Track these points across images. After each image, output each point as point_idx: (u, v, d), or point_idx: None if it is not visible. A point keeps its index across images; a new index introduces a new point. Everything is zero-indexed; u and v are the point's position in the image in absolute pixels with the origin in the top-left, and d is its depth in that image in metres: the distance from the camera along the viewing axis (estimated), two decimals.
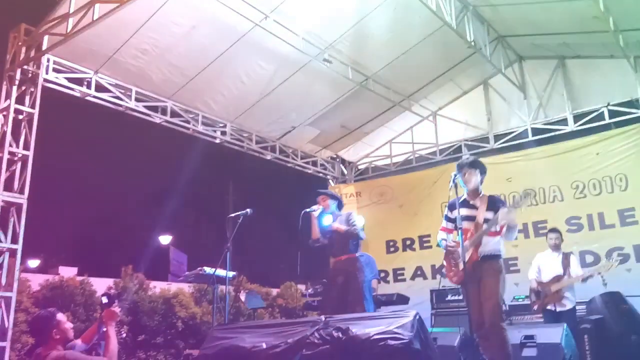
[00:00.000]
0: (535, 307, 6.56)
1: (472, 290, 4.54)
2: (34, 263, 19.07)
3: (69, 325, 3.81)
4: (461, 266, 4.48)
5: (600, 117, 8.46)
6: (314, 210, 5.61)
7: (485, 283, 4.50)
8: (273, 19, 6.94)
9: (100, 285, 8.29)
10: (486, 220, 4.55)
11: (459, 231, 4.42)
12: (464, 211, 4.67)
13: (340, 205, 5.84)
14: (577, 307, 6.49)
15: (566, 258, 6.53)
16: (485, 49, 7.90)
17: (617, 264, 6.34)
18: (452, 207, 4.74)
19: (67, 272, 9.30)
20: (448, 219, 4.87)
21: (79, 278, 7.95)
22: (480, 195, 4.73)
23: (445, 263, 4.85)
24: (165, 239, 20.17)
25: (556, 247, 6.64)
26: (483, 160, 9.61)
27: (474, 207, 4.68)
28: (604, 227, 8.07)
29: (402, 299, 7.32)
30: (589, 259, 7.86)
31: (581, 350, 4.70)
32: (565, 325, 5.55)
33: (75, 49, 6.74)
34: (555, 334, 5.30)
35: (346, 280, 5.27)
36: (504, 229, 4.56)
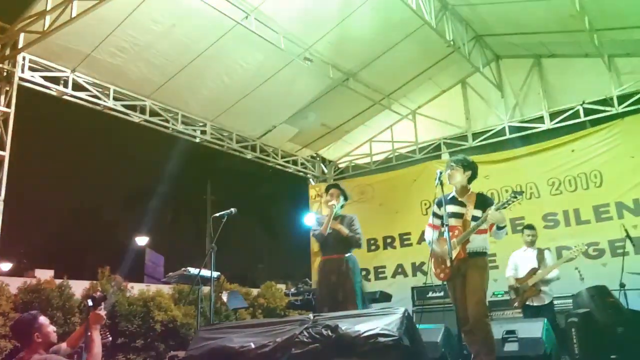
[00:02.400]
0: (516, 304, 6.66)
1: (457, 286, 4.58)
2: (8, 266, 18.63)
3: (51, 328, 3.73)
4: (448, 263, 4.52)
5: (576, 115, 8.63)
6: (335, 205, 5.52)
7: (469, 278, 4.54)
8: (254, 17, 6.90)
9: (77, 287, 8.13)
10: (474, 218, 4.57)
11: (446, 228, 4.45)
12: (453, 208, 4.69)
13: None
14: (560, 302, 6.65)
15: (540, 253, 6.68)
16: (463, 48, 8.00)
17: (585, 248, 6.51)
18: (439, 203, 4.76)
19: (43, 274, 9.08)
20: (435, 216, 4.86)
21: (57, 281, 7.77)
22: (469, 193, 4.75)
23: (432, 260, 4.86)
24: (141, 240, 19.91)
25: (531, 244, 6.76)
26: None
27: (462, 204, 4.70)
28: (580, 223, 8.25)
29: (386, 297, 7.37)
30: (565, 253, 8.00)
31: (569, 342, 4.80)
32: (545, 320, 5.67)
33: (52, 47, 6.61)
34: (536, 329, 5.39)
35: (338, 279, 5.25)
36: (493, 228, 4.60)
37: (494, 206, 4.54)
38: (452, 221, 4.64)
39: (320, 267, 5.42)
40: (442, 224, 4.60)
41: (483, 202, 4.65)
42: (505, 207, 4.53)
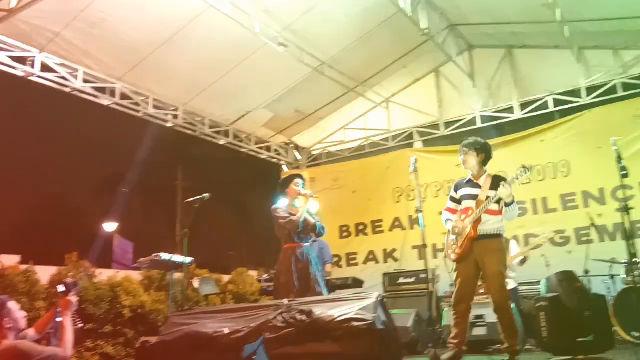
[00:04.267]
0: (482, 290, 6.79)
1: (464, 267, 4.64)
2: None
3: (21, 314, 3.65)
4: (459, 243, 4.61)
5: (545, 105, 8.79)
6: (311, 193, 5.54)
7: (487, 264, 4.53)
8: (228, 0, 6.79)
9: (44, 273, 7.97)
10: (489, 199, 4.60)
11: (420, 214, 4.53)
12: (468, 190, 4.76)
13: None
14: (526, 288, 6.83)
15: (506, 241, 6.81)
16: (437, 36, 8.04)
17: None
18: (457, 187, 4.84)
19: (9, 260, 8.84)
20: (452, 200, 4.91)
21: (24, 266, 7.59)
22: (485, 175, 4.77)
23: (445, 241, 4.90)
24: (110, 226, 19.59)
25: None
26: (434, 148, 9.87)
27: (477, 186, 4.74)
28: (547, 212, 8.44)
29: (357, 283, 7.43)
30: (534, 241, 8.18)
31: (537, 326, 4.94)
32: (513, 305, 5.82)
33: (19, 26, 6.38)
34: None
35: (307, 266, 5.29)
36: (503, 209, 4.60)
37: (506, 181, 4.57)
38: (467, 202, 4.71)
39: (288, 254, 5.42)
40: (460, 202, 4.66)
41: (499, 182, 4.63)
42: (515, 182, 4.56)
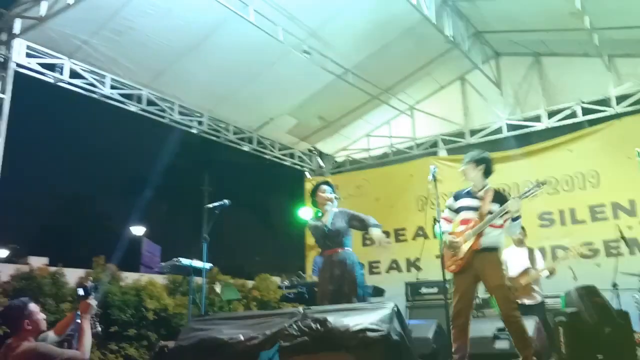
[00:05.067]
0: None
1: (464, 280, 4.56)
2: (3, 253, 18.58)
3: (41, 316, 3.71)
4: (460, 255, 4.53)
5: (574, 114, 8.62)
6: (337, 197, 5.50)
7: (489, 277, 4.48)
8: (253, 7, 6.85)
9: (72, 276, 8.13)
10: (490, 212, 4.54)
11: (438, 223, 4.45)
12: (469, 201, 4.69)
13: None
14: (553, 301, 6.66)
15: (531, 253, 6.65)
16: (463, 44, 7.96)
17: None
18: (457, 197, 4.79)
19: (37, 262, 9.07)
20: (450, 209, 4.85)
21: (52, 268, 7.76)
22: (486, 188, 4.71)
23: (443, 253, 4.79)
24: (138, 230, 19.89)
25: (520, 243, 6.72)
26: (459, 157, 9.72)
27: (477, 198, 4.67)
28: (575, 223, 8.25)
29: (378, 292, 7.34)
30: (560, 253, 8.00)
31: (556, 342, 4.81)
32: (537, 317, 5.68)
33: (49, 33, 6.56)
34: (527, 327, 5.41)
35: (342, 272, 5.24)
36: (507, 222, 4.54)
37: (517, 195, 4.51)
38: (469, 214, 4.64)
39: (325, 261, 5.38)
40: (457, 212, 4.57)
41: (500, 197, 4.61)
42: (527, 197, 4.50)
